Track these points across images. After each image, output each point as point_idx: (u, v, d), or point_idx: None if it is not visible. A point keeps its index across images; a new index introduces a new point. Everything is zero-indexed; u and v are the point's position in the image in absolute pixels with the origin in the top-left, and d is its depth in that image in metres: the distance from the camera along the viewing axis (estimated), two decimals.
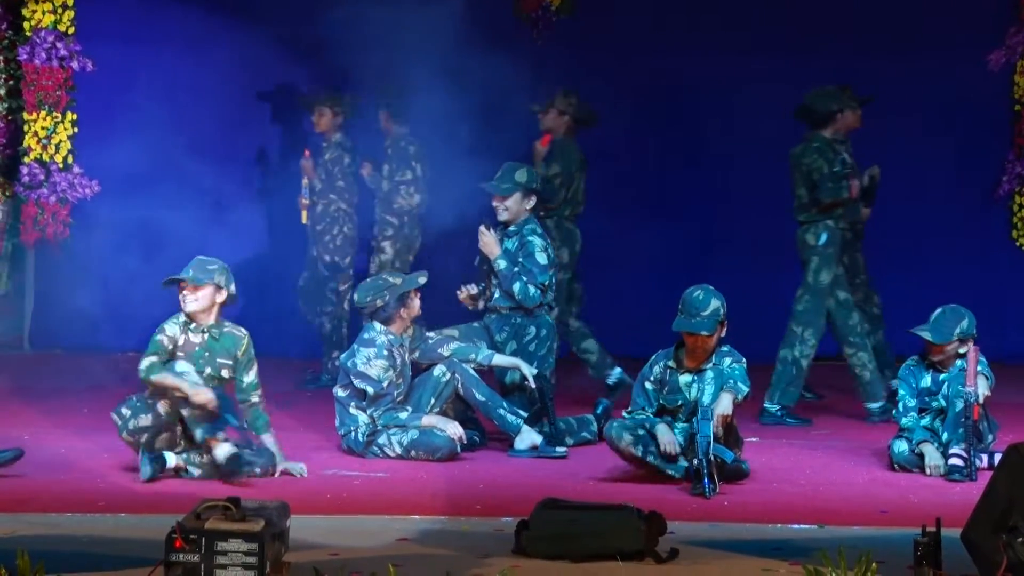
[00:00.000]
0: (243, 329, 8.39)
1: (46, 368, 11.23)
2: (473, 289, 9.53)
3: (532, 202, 9.51)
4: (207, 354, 8.27)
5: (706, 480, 7.77)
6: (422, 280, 9.12)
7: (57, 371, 10.23)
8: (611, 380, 10.65)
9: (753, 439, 9.31)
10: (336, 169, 11.43)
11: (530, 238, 9.43)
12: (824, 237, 10.19)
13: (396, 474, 8.40)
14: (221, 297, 8.30)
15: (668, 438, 8.16)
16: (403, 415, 8.84)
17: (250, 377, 8.34)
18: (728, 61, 12.57)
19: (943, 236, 12.73)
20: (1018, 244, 12.91)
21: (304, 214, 11.46)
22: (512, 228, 9.49)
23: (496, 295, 9.48)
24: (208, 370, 8.25)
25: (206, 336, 8.29)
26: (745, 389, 8.13)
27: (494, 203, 9.50)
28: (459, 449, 8.79)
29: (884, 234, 12.65)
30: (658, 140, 12.88)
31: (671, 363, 8.35)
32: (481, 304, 9.55)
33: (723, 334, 8.32)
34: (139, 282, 12.13)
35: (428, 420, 8.82)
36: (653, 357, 8.43)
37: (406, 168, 11.18)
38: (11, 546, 6.08)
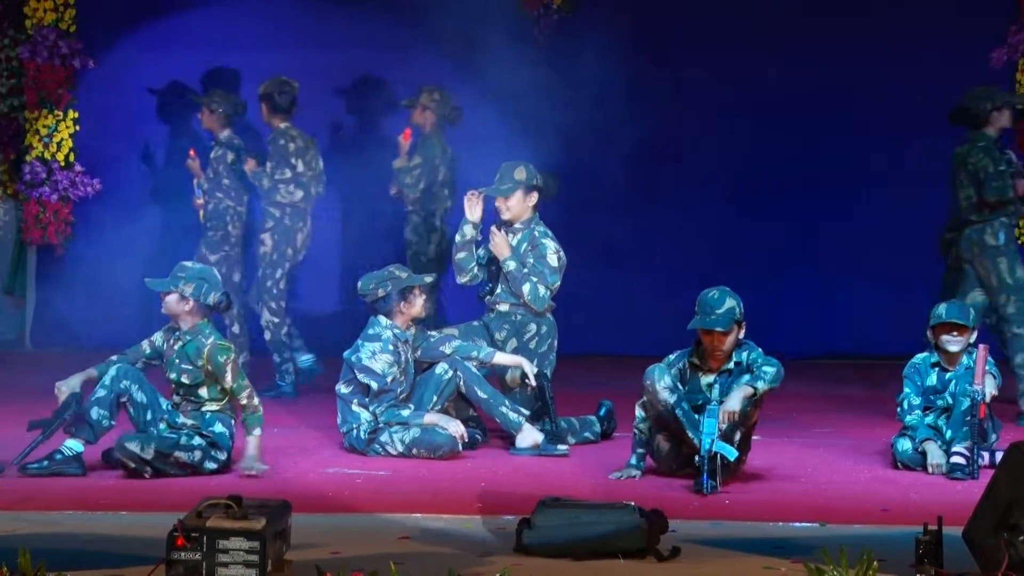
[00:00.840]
0: (212, 339, 8.26)
1: (47, 366, 11.21)
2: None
3: (534, 199, 9.49)
4: (176, 360, 8.31)
5: (705, 476, 7.75)
6: (428, 279, 9.14)
7: (58, 369, 10.19)
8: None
9: (755, 437, 9.29)
10: (221, 167, 11.32)
11: (543, 240, 9.41)
12: (1002, 236, 10.13)
13: (398, 472, 8.39)
14: (187, 306, 8.31)
15: None
16: (405, 413, 8.84)
17: (227, 383, 8.25)
18: (734, 57, 12.56)
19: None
20: (1021, 243, 12.89)
21: (201, 214, 11.43)
22: (518, 226, 9.48)
23: (498, 291, 9.47)
24: (172, 375, 8.32)
25: (179, 342, 8.33)
26: (769, 371, 7.99)
27: (496, 204, 9.49)
28: (461, 447, 8.79)
29: (887, 233, 12.66)
30: (668, 140, 12.83)
31: (694, 360, 8.24)
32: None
33: (741, 335, 8.22)
34: (140, 281, 12.14)
35: (430, 418, 8.82)
36: (673, 356, 8.27)
37: (285, 167, 11.02)
38: (12, 544, 6.09)
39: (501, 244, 9.41)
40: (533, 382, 9.10)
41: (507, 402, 9.05)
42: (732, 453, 7.91)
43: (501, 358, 9.20)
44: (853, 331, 12.62)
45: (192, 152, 11.49)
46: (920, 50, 12.47)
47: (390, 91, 12.70)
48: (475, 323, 9.53)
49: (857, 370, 12.06)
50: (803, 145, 12.71)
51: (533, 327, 9.41)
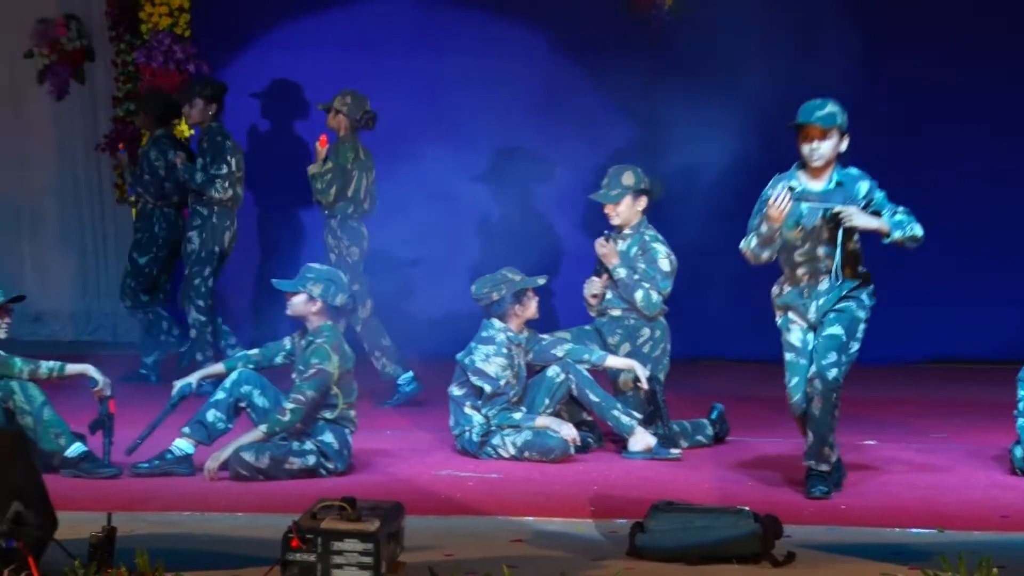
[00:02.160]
0: (323, 340, 8.27)
1: (164, 367, 11.35)
2: (597, 287, 9.44)
3: (643, 203, 9.46)
4: (299, 363, 8.36)
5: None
6: (541, 281, 9.13)
7: (174, 370, 10.34)
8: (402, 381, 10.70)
9: (870, 442, 9.22)
10: (144, 164, 11.50)
11: (653, 244, 9.38)
12: None
13: (510, 475, 8.40)
14: (314, 307, 8.35)
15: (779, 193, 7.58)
16: (517, 415, 8.84)
17: (299, 379, 8.30)
18: (788, 63, 12.40)
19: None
20: None
21: (133, 212, 11.66)
22: (627, 231, 9.45)
23: (608, 297, 9.45)
24: (294, 375, 8.37)
25: (303, 344, 8.38)
26: (917, 231, 7.49)
27: (606, 211, 9.46)
28: (573, 450, 8.78)
29: (967, 233, 12.43)
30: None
31: (793, 183, 7.73)
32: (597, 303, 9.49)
33: (843, 147, 7.68)
34: (253, 281, 12.22)
35: (542, 421, 8.82)
36: (773, 179, 7.83)
37: (222, 162, 11.08)
38: (131, 544, 6.16)
39: (609, 253, 9.39)
40: (645, 385, 9.07)
41: (619, 405, 9.03)
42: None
43: (613, 361, 9.18)
44: (970, 335, 12.44)
45: (120, 145, 11.85)
46: (988, 46, 12.25)
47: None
48: (587, 327, 9.51)
49: (975, 375, 11.91)
50: (891, 149, 12.54)
51: (647, 331, 9.38)
